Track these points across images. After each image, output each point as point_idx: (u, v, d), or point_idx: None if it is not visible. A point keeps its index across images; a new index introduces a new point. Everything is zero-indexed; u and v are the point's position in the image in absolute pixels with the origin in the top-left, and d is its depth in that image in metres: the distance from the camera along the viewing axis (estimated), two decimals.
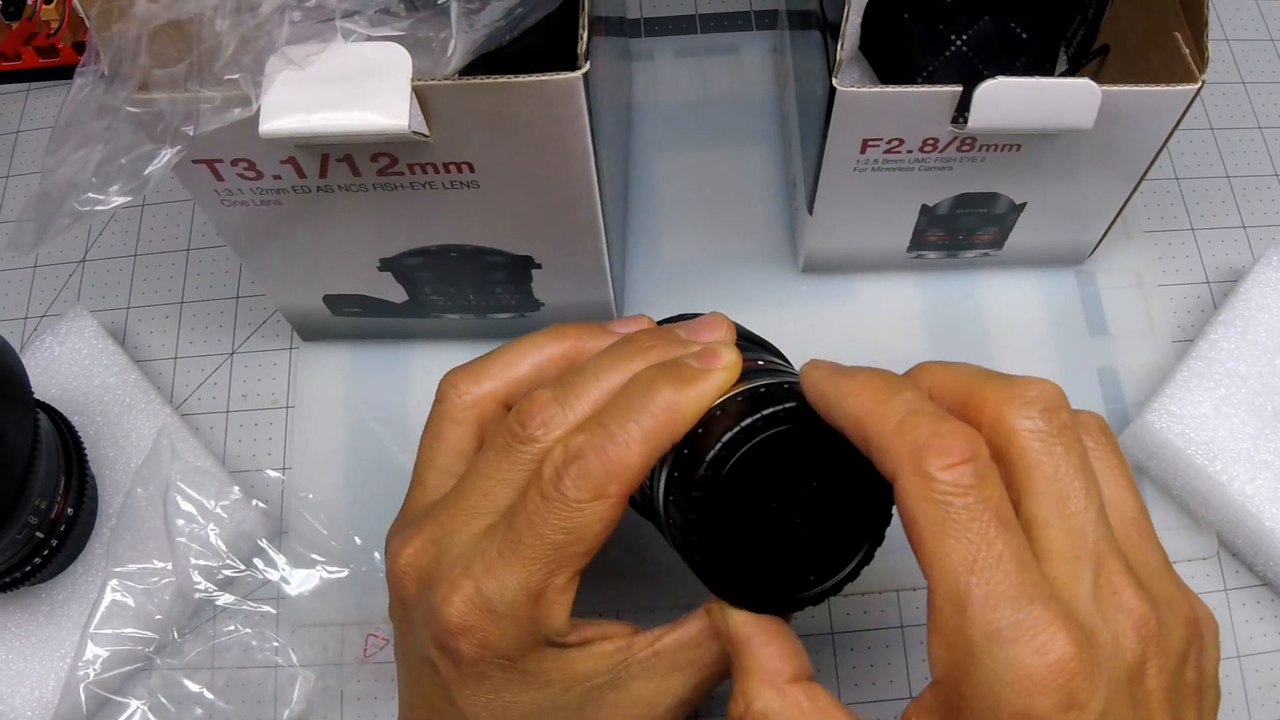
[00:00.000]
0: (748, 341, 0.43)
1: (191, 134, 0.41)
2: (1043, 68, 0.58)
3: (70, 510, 0.52)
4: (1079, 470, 0.32)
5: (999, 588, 0.30)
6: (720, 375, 0.37)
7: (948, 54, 0.56)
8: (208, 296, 0.62)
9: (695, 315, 0.44)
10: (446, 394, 0.41)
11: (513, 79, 0.40)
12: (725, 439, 0.35)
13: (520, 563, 0.35)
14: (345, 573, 0.55)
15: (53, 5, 0.66)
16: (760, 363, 0.40)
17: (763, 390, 0.37)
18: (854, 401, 0.34)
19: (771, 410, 0.35)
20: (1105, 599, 0.31)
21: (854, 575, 0.38)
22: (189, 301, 0.62)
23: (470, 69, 0.45)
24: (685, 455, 0.36)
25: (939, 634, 0.31)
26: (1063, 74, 0.59)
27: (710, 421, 0.36)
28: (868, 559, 0.38)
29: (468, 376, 0.41)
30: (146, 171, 0.41)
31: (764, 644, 0.37)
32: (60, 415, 0.54)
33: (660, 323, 0.45)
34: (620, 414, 0.36)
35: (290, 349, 0.61)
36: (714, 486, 0.35)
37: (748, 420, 0.35)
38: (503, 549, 0.35)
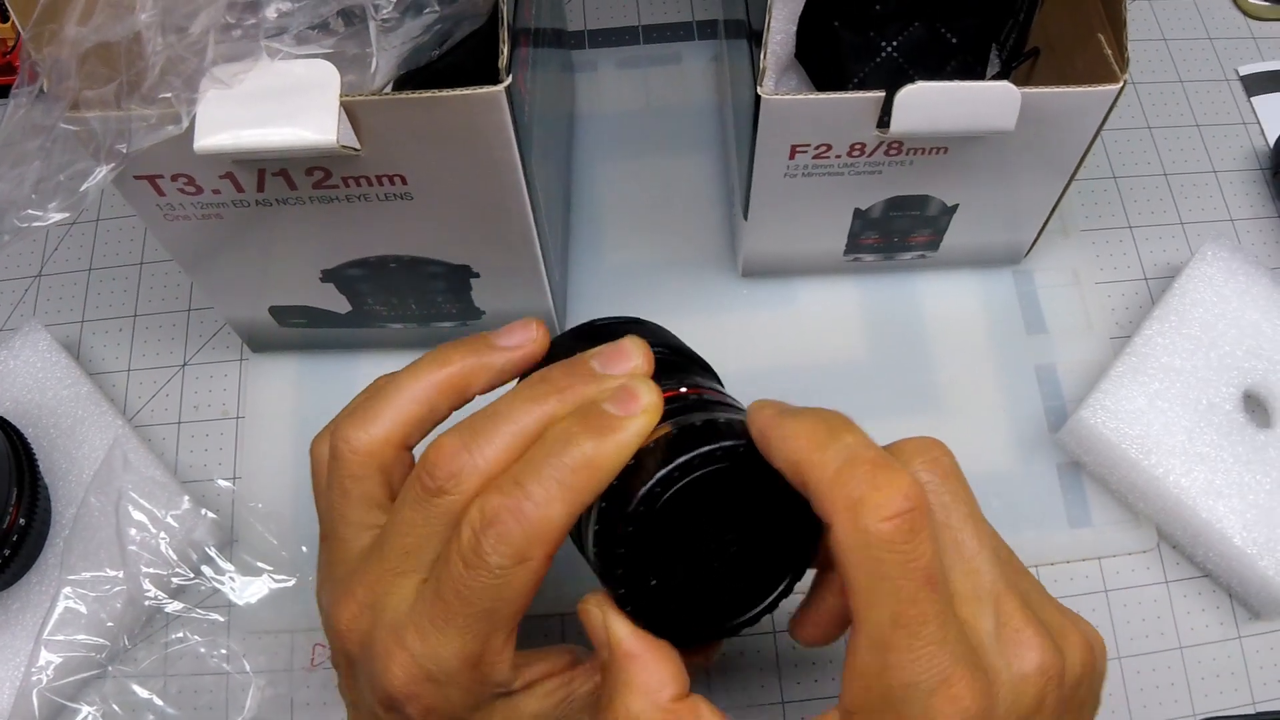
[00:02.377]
0: (673, 352, 0.43)
1: (125, 151, 0.41)
2: (974, 72, 0.58)
3: (23, 520, 0.53)
4: (969, 517, 0.35)
5: (919, 644, 0.31)
6: (640, 420, 0.35)
7: (878, 60, 0.57)
8: (160, 309, 0.63)
9: (609, 323, 0.42)
10: (339, 450, 0.39)
11: (436, 93, 0.41)
12: (659, 476, 0.34)
13: (454, 632, 0.34)
14: (293, 581, 0.56)
15: (9, 24, 0.67)
16: (683, 389, 0.39)
17: (699, 425, 0.36)
18: (793, 445, 0.33)
19: (708, 449, 0.35)
20: (1008, 638, 0.34)
21: (772, 607, 0.38)
22: (142, 315, 0.63)
23: (404, 82, 0.45)
24: (615, 488, 0.35)
25: (858, 675, 0.32)
26: (994, 77, 0.60)
27: (642, 455, 0.35)
28: (787, 592, 0.38)
29: (355, 425, 0.39)
30: (83, 188, 0.42)
31: (652, 662, 0.35)
32: (13, 428, 0.55)
33: (577, 329, 0.43)
34: (537, 471, 0.34)
35: (240, 360, 0.61)
36: (645, 522, 0.35)
37: (682, 459, 0.34)
38: (434, 618, 0.34)
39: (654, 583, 0.36)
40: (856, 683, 0.32)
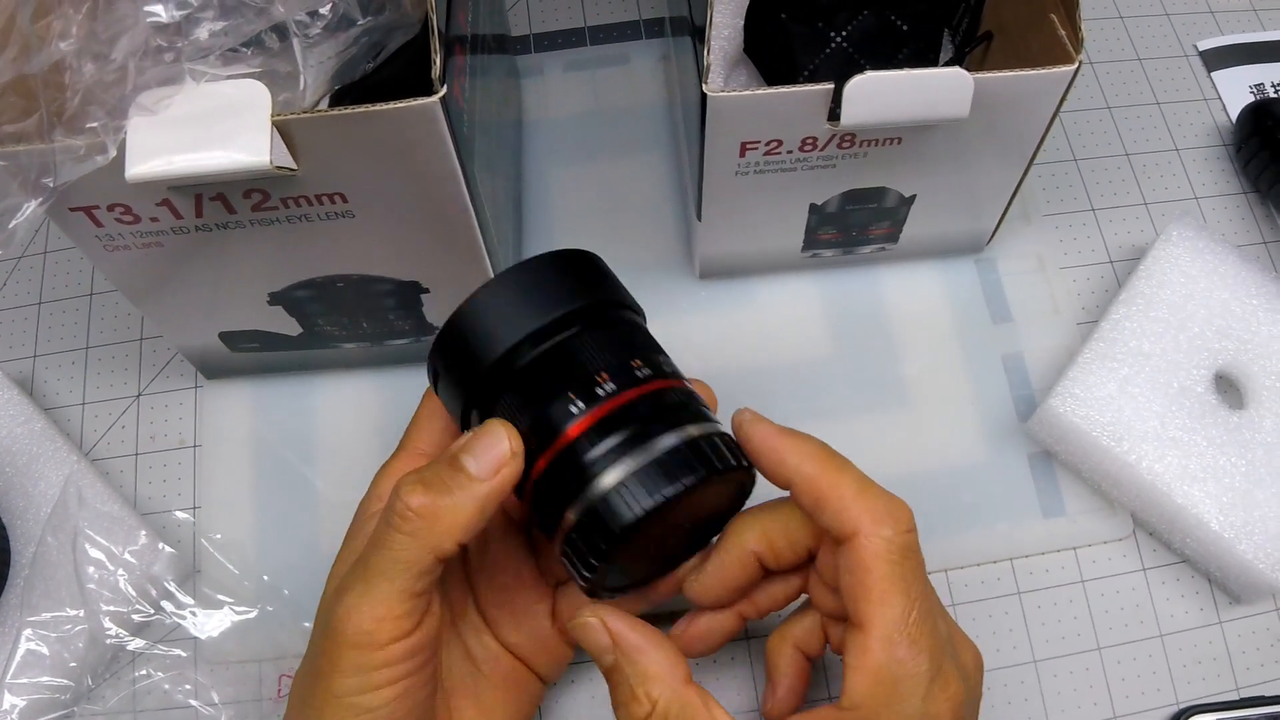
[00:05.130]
0: (614, 309, 0.46)
1: (52, 185, 0.40)
2: (926, 59, 0.57)
3: None
4: (919, 568, 0.39)
5: (923, 639, 0.37)
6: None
7: (828, 51, 0.56)
8: (112, 340, 0.62)
9: (561, 256, 0.46)
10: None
11: (370, 108, 0.40)
12: (652, 507, 0.38)
13: None
14: (254, 613, 0.54)
15: None
16: (639, 375, 0.41)
17: (688, 451, 0.39)
18: (810, 466, 0.39)
19: (705, 475, 0.39)
20: (956, 639, 0.41)
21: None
22: (94, 346, 0.62)
23: (340, 97, 0.44)
24: (596, 509, 0.38)
25: (868, 669, 0.37)
26: (947, 63, 0.59)
27: (628, 483, 0.38)
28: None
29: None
30: (11, 225, 0.41)
31: (656, 648, 0.39)
32: None
33: (526, 266, 0.44)
34: None
35: (195, 388, 0.60)
36: (634, 536, 0.38)
37: (673, 488, 0.38)
38: None
39: (622, 572, 0.42)
40: (865, 677, 0.37)
